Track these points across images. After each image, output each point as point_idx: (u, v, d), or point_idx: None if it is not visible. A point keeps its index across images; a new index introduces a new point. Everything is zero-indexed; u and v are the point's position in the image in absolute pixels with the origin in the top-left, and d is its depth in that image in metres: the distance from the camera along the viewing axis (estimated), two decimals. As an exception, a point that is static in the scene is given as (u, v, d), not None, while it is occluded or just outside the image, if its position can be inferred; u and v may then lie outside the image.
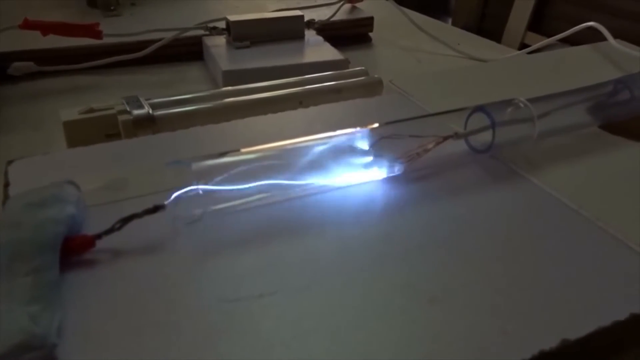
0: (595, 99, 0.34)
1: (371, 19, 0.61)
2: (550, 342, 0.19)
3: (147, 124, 0.36)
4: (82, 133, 0.36)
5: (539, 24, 1.59)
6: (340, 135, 0.28)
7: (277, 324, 0.20)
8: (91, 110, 0.37)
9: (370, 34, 0.63)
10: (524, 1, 1.58)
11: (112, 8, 0.60)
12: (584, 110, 0.34)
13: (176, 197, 0.24)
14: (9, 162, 0.29)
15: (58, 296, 0.20)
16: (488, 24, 1.83)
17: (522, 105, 0.30)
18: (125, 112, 0.37)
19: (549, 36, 0.59)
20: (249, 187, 0.25)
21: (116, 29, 0.51)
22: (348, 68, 0.49)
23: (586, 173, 0.30)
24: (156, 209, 0.24)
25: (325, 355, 0.19)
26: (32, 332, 0.18)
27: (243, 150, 0.26)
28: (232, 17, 0.51)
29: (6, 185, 0.27)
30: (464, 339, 0.19)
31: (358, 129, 0.28)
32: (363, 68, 0.46)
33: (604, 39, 0.49)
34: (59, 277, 0.21)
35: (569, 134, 0.34)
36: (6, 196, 0.26)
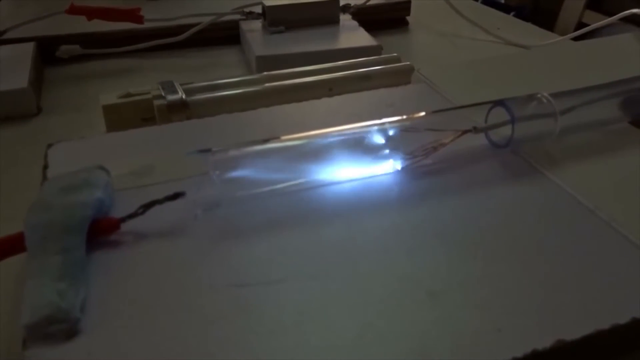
0: (627, 93, 0.33)
1: (408, 2, 0.61)
2: (544, 342, 0.20)
3: (181, 109, 0.38)
4: (120, 116, 0.38)
5: (599, 1, 1.51)
6: (357, 128, 0.28)
7: (280, 311, 0.21)
8: (129, 95, 0.39)
9: (408, 18, 0.62)
10: (582, -23, 1.50)
11: (155, -8, 0.62)
12: (614, 105, 0.33)
13: (196, 185, 0.26)
14: (49, 145, 0.31)
15: (84, 274, 0.22)
16: (544, 1, 1.75)
17: (545, 100, 0.30)
18: (160, 97, 0.38)
19: (609, 15, 0.56)
20: (265, 177, 0.26)
21: (158, 13, 0.53)
22: (381, 54, 0.49)
23: (608, 171, 0.29)
24: (176, 195, 0.25)
25: (320, 343, 0.20)
26: (58, 307, 0.20)
27: (261, 140, 0.27)
28: (268, 2, 0.52)
29: (45, 167, 0.29)
30: (455, 335, 0.20)
31: (375, 121, 0.29)
32: (395, 54, 0.46)
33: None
34: (86, 257, 0.23)
35: (597, 129, 0.33)
36: (44, 177, 0.28)
